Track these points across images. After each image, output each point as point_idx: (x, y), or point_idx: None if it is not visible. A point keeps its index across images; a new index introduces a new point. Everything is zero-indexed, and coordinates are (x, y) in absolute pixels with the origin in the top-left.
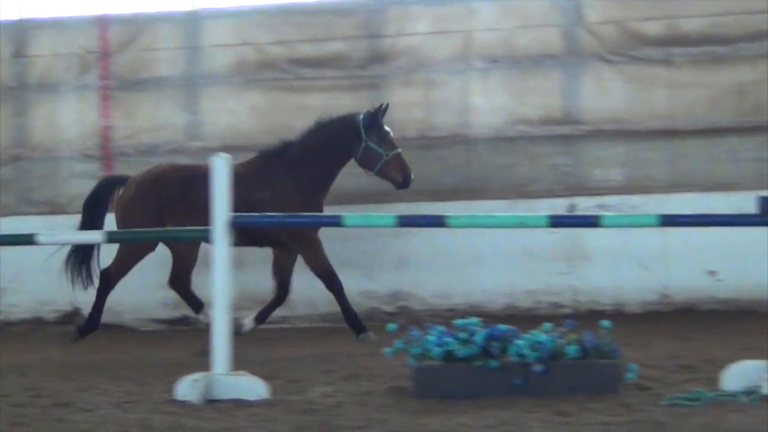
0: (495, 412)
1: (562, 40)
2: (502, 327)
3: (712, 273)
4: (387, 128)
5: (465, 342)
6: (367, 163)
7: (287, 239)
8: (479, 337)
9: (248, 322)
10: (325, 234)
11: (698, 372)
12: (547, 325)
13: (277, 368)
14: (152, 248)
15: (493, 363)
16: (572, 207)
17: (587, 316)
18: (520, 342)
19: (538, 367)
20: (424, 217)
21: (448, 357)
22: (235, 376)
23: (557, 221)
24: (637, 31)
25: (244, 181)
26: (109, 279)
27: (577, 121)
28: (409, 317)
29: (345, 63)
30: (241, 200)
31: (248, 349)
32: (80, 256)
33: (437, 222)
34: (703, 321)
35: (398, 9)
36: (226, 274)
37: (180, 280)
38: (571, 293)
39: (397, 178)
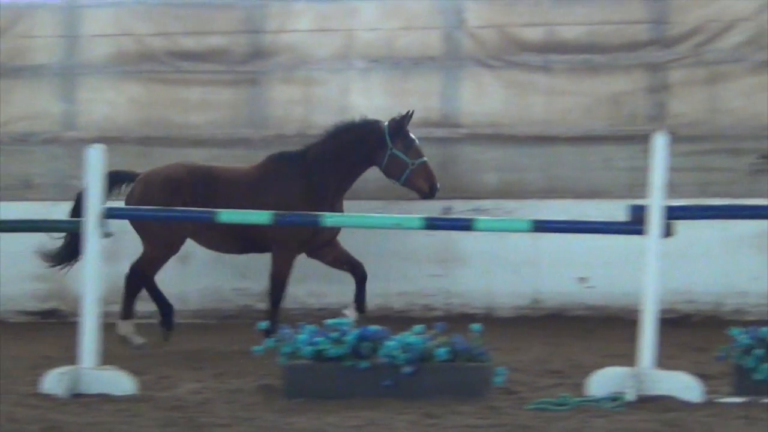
0: (363, 413)
1: (442, 43)
2: (373, 328)
3: (582, 279)
4: (412, 135)
5: (336, 342)
6: (393, 172)
7: (271, 237)
8: (350, 337)
9: (350, 312)
10: None
11: (565, 377)
12: (418, 327)
13: (145, 364)
14: (181, 241)
15: (363, 363)
16: (447, 210)
17: (459, 319)
18: (390, 343)
19: (407, 369)
20: (300, 215)
21: (319, 356)
22: (103, 370)
23: (432, 223)
24: (516, 37)
25: (252, 183)
26: (142, 277)
27: (455, 124)
28: (282, 316)
29: (225, 57)
30: (248, 203)
31: (117, 344)
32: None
33: (312, 220)
34: (573, 327)
35: (280, 5)
36: (97, 267)
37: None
38: (443, 296)
39: (424, 187)
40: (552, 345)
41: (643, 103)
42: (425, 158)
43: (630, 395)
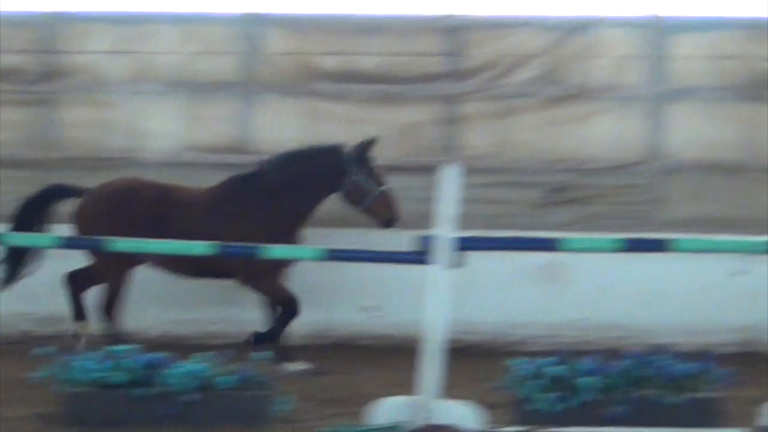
0: None
1: (240, 69)
2: (156, 355)
3: (371, 308)
4: (375, 162)
5: (116, 369)
6: (354, 198)
7: (233, 270)
8: (133, 364)
9: (297, 365)
10: None
11: (349, 406)
12: (203, 355)
13: None
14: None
15: (144, 391)
16: None
17: (245, 347)
18: (172, 371)
19: (189, 397)
20: (88, 239)
21: (100, 383)
22: None
23: (223, 250)
24: (314, 65)
25: (209, 209)
26: (110, 308)
27: (250, 151)
28: (66, 342)
29: (16, 77)
30: (204, 226)
31: None
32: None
33: (98, 245)
34: (360, 356)
35: (76, 25)
36: None
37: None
38: (231, 323)
39: (385, 215)
40: (338, 374)
41: (436, 135)
42: (387, 186)
43: (411, 424)
